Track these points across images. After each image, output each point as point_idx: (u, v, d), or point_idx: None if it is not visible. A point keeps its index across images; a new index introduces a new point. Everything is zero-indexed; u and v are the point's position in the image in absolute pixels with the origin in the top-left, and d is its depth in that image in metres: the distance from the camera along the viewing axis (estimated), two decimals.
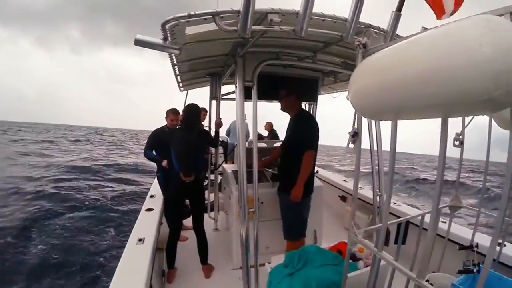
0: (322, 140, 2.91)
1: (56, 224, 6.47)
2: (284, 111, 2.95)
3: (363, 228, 1.75)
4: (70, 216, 7.05)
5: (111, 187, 10.46)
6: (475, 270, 1.76)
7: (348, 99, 1.58)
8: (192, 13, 1.49)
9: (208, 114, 4.16)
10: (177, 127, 3.42)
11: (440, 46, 0.89)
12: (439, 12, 1.88)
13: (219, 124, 3.72)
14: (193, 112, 3.06)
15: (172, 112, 3.71)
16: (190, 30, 1.73)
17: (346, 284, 1.79)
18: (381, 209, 2.62)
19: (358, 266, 2.14)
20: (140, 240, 2.49)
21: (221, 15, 1.54)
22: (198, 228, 3.13)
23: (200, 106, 4.31)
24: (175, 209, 3.10)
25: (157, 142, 3.58)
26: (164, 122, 3.81)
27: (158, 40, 1.73)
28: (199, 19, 1.55)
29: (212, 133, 3.64)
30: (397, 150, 1.36)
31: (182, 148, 2.93)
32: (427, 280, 1.74)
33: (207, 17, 1.54)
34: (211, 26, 1.65)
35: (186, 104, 3.32)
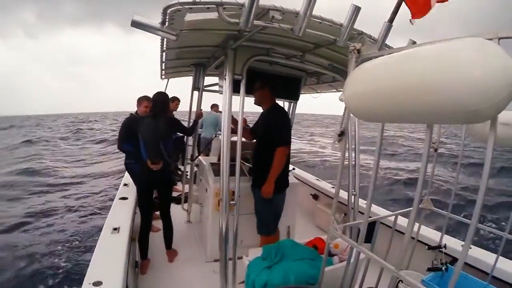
0: None
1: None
2: (258, 105, 2.97)
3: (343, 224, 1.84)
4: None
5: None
6: (443, 269, 1.92)
7: (341, 100, 1.66)
8: (197, 0, 1.49)
9: (189, 104, 4.10)
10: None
11: (435, 62, 1.00)
12: (416, 12, 2.05)
13: (199, 115, 3.71)
14: (161, 101, 3.06)
15: (146, 99, 3.59)
16: (189, 17, 1.72)
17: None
18: (355, 209, 2.73)
19: (333, 261, 2.23)
20: (115, 229, 2.43)
21: (225, 6, 1.55)
22: (164, 214, 3.19)
23: (173, 96, 4.22)
24: (145, 198, 3.09)
25: (130, 132, 3.39)
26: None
27: (156, 23, 1.70)
28: (202, 7, 1.55)
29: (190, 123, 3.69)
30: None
31: (149, 135, 2.94)
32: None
33: (210, 6, 1.54)
34: (212, 15, 1.65)
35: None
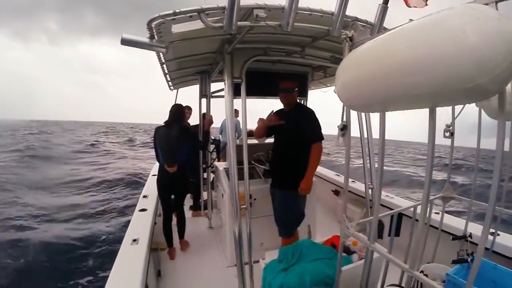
0: None
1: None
2: (286, 105, 2.89)
3: (357, 221, 1.76)
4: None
5: None
6: (469, 260, 1.77)
7: (335, 92, 1.59)
8: (177, 10, 1.48)
9: (199, 112, 4.13)
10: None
11: (424, 35, 0.90)
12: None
13: (209, 122, 3.74)
14: (174, 111, 3.43)
15: (186, 108, 4.00)
16: (176, 28, 1.72)
17: (341, 277, 1.80)
18: (373, 202, 2.63)
19: (352, 259, 2.15)
20: (134, 240, 2.47)
21: (207, 11, 1.53)
22: (177, 207, 3.58)
23: (185, 105, 4.37)
24: (163, 196, 3.53)
25: (154, 140, 3.66)
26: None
27: (145, 39, 1.72)
28: (184, 17, 1.53)
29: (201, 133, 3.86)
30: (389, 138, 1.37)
31: (164, 142, 3.30)
32: (422, 271, 1.76)
33: (192, 14, 1.52)
34: (198, 24, 1.64)
35: (176, 102, 3.65)
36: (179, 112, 3.45)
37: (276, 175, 2.92)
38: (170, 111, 3.42)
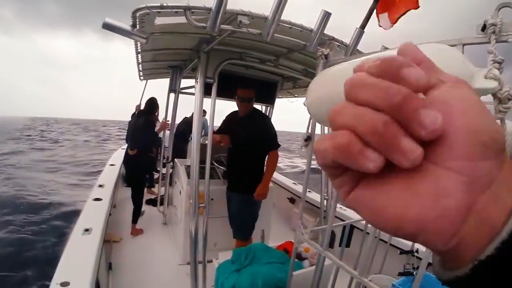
0: None
1: None
2: (244, 112, 2.90)
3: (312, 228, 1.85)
4: None
5: None
6: (414, 273, 1.94)
7: (305, 105, 1.68)
8: (164, 4, 1.49)
9: (166, 106, 4.10)
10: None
11: None
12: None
13: (164, 126, 4.16)
14: (148, 104, 4.03)
15: None
16: (159, 21, 1.72)
17: (292, 282, 1.87)
18: (327, 212, 2.76)
19: (303, 265, 2.25)
20: (86, 230, 2.38)
21: (193, 10, 1.55)
22: (132, 184, 4.04)
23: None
24: (127, 173, 4.25)
25: None
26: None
27: (127, 26, 1.70)
28: (170, 11, 1.55)
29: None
30: None
31: (130, 130, 4.20)
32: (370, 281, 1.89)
33: (178, 10, 1.54)
34: (181, 19, 1.65)
35: (143, 93, 4.61)
36: (151, 105, 4.03)
37: (233, 178, 2.95)
38: (146, 103, 4.04)
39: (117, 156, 5.37)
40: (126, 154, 3.99)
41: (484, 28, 0.80)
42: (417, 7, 2.19)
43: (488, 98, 0.78)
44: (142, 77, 3.99)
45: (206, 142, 2.53)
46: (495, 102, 0.75)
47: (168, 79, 3.89)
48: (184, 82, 3.77)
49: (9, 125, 41.68)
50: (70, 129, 46.67)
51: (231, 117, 2.97)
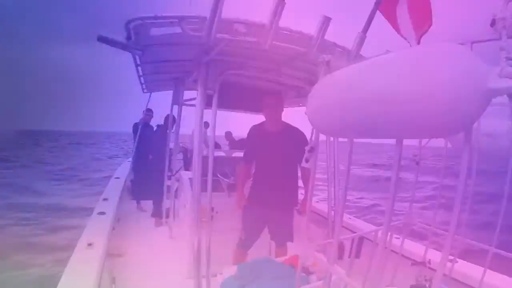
0: None
1: None
2: (273, 125, 2.82)
3: (319, 241, 1.77)
4: None
5: None
6: (427, 285, 1.84)
7: (306, 114, 1.61)
8: (158, 14, 1.46)
9: (170, 118, 4.09)
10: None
11: (396, 69, 0.91)
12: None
13: None
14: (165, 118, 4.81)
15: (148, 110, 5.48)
16: (155, 32, 1.69)
17: None
18: (336, 224, 2.67)
19: (310, 280, 2.15)
20: (90, 244, 2.35)
21: (188, 20, 1.52)
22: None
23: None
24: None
25: None
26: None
27: (121, 39, 1.67)
28: (165, 22, 1.52)
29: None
30: None
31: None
32: None
33: (173, 20, 1.51)
34: (177, 30, 1.62)
35: (147, 105, 5.17)
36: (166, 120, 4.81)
37: (270, 197, 2.83)
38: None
39: (123, 169, 5.37)
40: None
41: (493, 23, 0.73)
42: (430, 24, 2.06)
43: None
44: (145, 90, 3.99)
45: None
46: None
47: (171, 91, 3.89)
48: (188, 94, 3.76)
49: None
50: None
51: (259, 134, 2.89)
